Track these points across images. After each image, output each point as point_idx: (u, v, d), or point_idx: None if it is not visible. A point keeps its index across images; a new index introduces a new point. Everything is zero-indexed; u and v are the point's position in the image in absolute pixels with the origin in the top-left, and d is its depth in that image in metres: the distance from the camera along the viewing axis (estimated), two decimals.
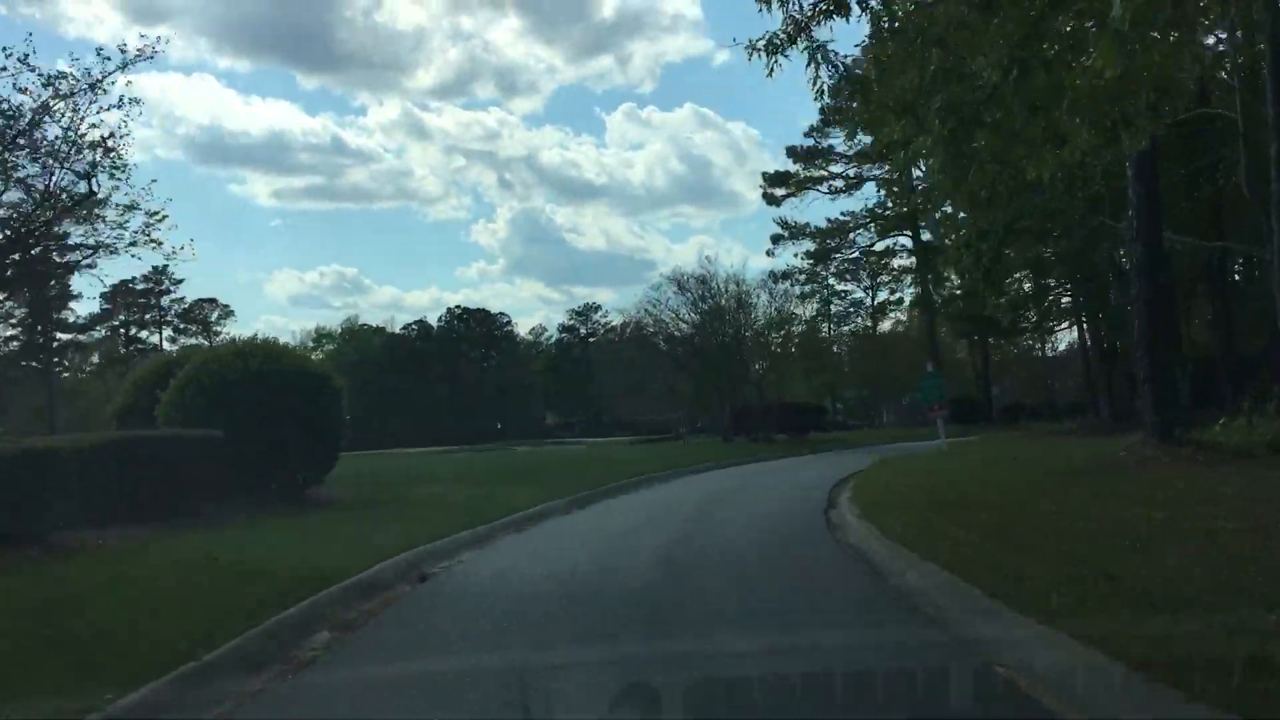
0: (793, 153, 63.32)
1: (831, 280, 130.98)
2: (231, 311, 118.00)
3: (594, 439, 76.75)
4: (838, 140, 63.17)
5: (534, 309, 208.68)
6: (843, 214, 65.56)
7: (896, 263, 71.04)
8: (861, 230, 65.25)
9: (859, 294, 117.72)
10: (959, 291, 50.77)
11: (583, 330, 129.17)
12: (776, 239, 62.71)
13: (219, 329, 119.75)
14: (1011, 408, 72.64)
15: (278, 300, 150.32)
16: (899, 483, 18.56)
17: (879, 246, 66.12)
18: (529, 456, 39.28)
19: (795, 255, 65.48)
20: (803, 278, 62.28)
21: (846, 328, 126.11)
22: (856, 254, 66.99)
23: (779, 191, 63.14)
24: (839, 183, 64.59)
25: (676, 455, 35.22)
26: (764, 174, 63.40)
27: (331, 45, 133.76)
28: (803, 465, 32.08)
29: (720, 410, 45.95)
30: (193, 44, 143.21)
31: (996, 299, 27.22)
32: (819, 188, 64.25)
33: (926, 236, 59.80)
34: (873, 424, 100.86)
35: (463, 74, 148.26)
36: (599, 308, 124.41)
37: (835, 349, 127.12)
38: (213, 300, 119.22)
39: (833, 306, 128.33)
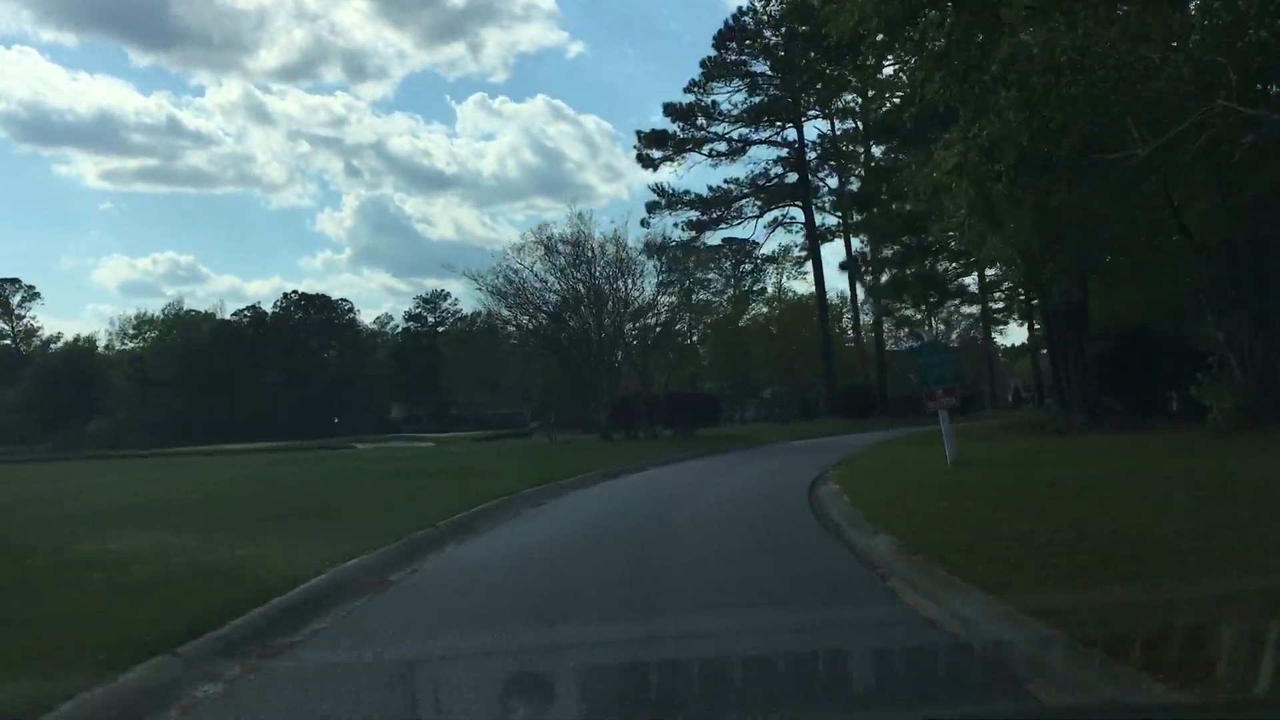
0: (672, 111, 55.02)
1: (691, 266, 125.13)
2: (37, 294, 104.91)
3: (444, 434, 69.66)
4: (723, 95, 55.24)
5: (382, 301, 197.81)
6: (726, 181, 57.68)
7: (768, 247, 64.00)
8: (748, 200, 57.43)
9: (720, 283, 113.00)
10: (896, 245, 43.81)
11: (431, 319, 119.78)
12: (652, 207, 54.29)
13: (21, 313, 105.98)
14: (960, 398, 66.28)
15: (106, 288, 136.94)
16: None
17: (767, 219, 58.42)
18: (352, 464, 29.91)
19: (676, 225, 57.16)
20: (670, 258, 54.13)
21: (708, 319, 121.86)
22: (739, 228, 59.18)
23: (655, 153, 54.75)
24: (722, 146, 56.66)
25: (548, 460, 26.54)
26: (639, 133, 54.90)
27: (166, 21, 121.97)
28: (724, 471, 23.78)
29: (594, 401, 37.27)
30: (14, 16, 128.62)
31: (991, 233, 19.34)
32: (701, 150, 56.18)
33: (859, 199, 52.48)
34: (732, 420, 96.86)
35: (308, 56, 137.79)
36: (448, 295, 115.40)
37: (693, 340, 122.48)
38: (14, 281, 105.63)
39: (694, 297, 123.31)
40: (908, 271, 48.83)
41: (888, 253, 49.60)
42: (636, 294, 37.37)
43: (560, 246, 36.05)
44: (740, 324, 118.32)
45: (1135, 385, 29.57)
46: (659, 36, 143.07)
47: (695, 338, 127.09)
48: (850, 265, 58.82)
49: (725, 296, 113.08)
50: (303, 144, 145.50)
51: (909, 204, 19.53)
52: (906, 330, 64.61)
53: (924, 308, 59.62)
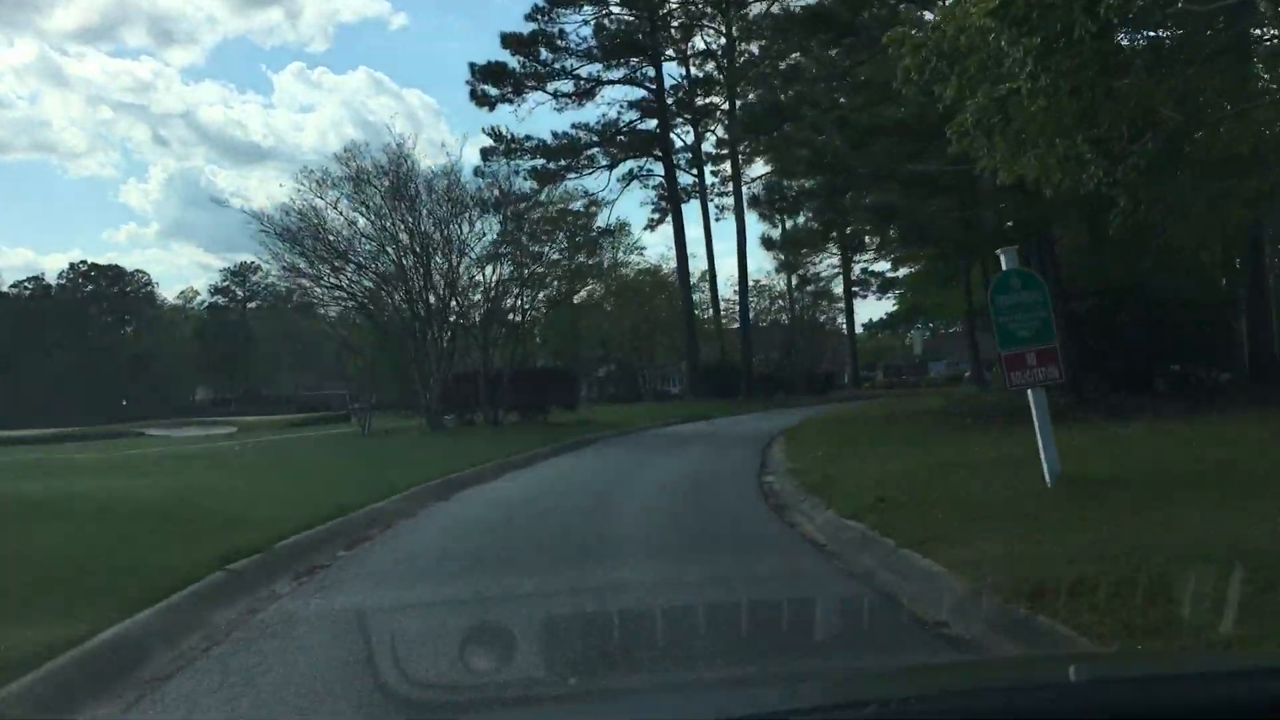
0: (511, 42, 46.27)
1: (525, 239, 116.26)
2: None
3: (254, 418, 62.29)
4: (571, 24, 46.93)
5: (193, 277, 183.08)
6: (574, 127, 49.36)
7: (626, 206, 55.88)
8: (600, 150, 49.29)
9: (555, 254, 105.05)
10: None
11: (240, 293, 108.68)
12: (489, 153, 45.38)
13: None
14: (821, 376, 59.72)
15: None
16: None
17: (619, 171, 50.36)
18: (67, 475, 20.28)
19: (518, 174, 48.52)
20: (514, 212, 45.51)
21: (541, 294, 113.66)
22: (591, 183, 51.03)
23: (491, 90, 45.98)
24: (570, 85, 48.35)
25: (335, 468, 18.08)
26: (473, 66, 45.85)
27: None
28: (626, 481, 15.81)
29: (421, 379, 28.47)
30: None
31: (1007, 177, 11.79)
32: (545, 88, 47.71)
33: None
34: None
35: (109, 17, 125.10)
36: (258, 268, 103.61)
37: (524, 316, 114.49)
38: None
39: (526, 270, 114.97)
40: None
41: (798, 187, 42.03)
42: (474, 241, 28.97)
43: (375, 180, 27.33)
44: (575, 301, 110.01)
45: (1127, 355, 23.03)
46: (487, 8, 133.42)
47: (527, 313, 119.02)
48: (757, 204, 51.26)
49: (561, 267, 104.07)
50: (104, 110, 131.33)
51: (901, 90, 11.81)
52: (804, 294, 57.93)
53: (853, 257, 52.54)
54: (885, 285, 70.15)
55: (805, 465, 15.50)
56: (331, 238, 26.62)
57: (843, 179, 24.67)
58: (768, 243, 53.50)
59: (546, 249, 48.93)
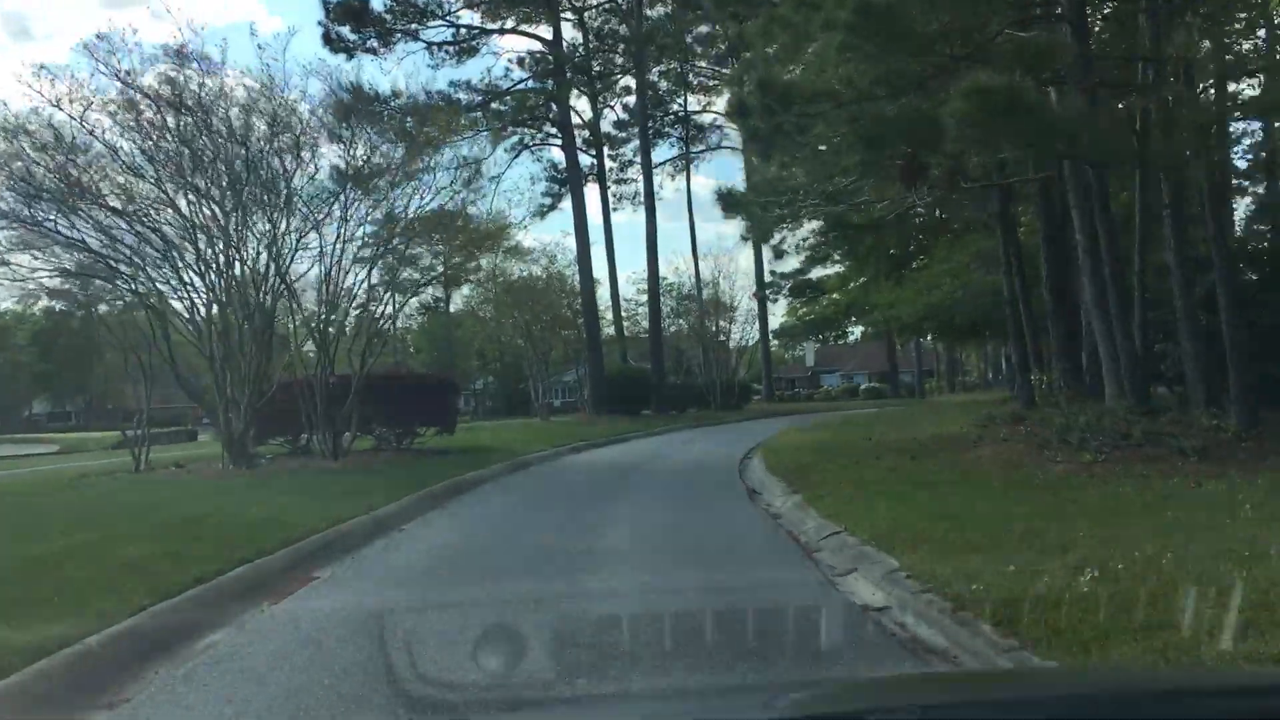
0: None
1: (398, 244, 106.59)
2: None
3: (103, 432, 51.82)
4: None
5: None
6: (452, 85, 40.34)
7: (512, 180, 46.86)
8: (487, 115, 40.27)
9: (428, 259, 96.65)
10: None
11: (81, 296, 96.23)
12: (347, 113, 35.95)
13: None
14: (739, 388, 51.47)
15: None
16: None
17: (509, 143, 41.42)
18: None
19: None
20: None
21: (415, 299, 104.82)
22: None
23: (350, 35, 36.69)
24: (448, 33, 39.35)
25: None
26: (327, 3, 36.40)
27: None
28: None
29: (220, 389, 18.99)
30: None
31: None
32: (417, 37, 38.62)
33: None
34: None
35: None
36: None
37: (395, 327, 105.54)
38: None
39: (400, 274, 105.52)
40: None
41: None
42: (306, 187, 19.83)
43: (154, 88, 17.99)
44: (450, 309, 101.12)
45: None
46: None
47: (396, 321, 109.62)
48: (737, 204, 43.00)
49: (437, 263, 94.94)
50: None
51: None
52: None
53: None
54: (799, 289, 62.91)
55: (919, 566, 7.13)
56: (75, 172, 17.16)
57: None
58: (725, 200, 44.94)
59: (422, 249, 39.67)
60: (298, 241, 19.95)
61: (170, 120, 18.23)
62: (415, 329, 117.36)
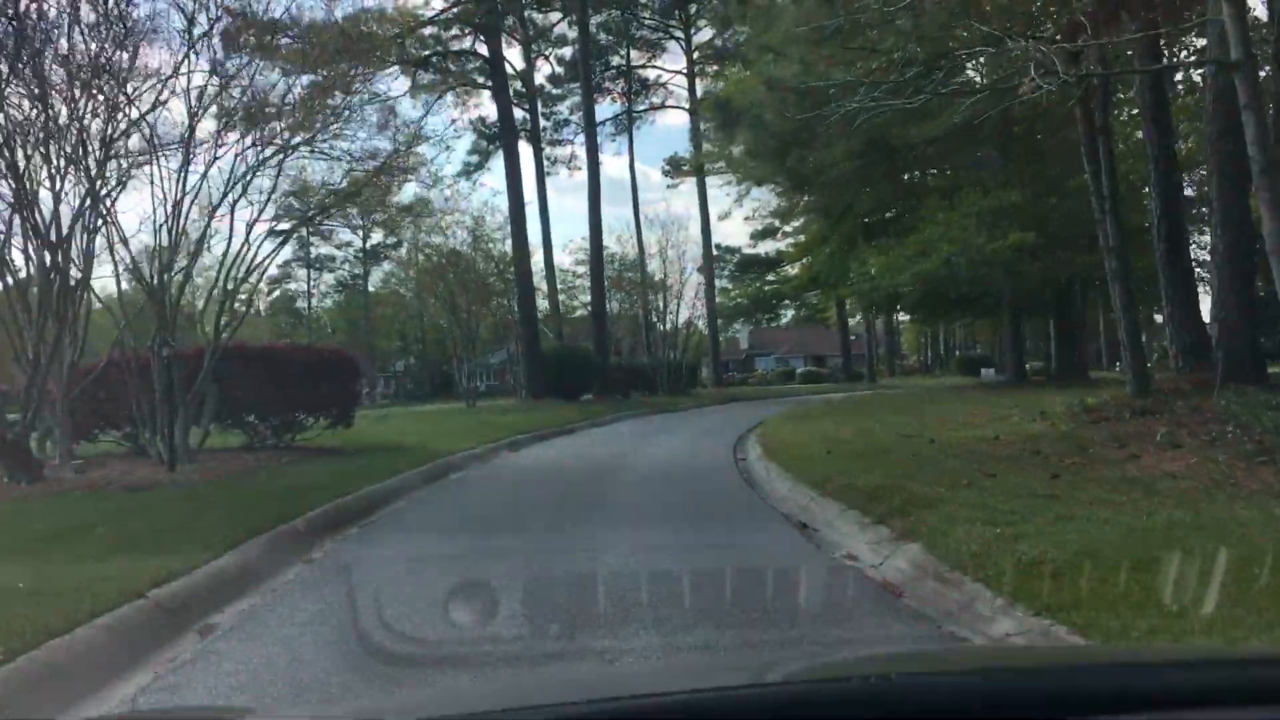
0: None
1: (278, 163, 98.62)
2: None
3: None
4: None
5: None
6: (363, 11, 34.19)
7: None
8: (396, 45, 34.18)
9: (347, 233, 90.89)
10: None
11: None
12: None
13: None
14: (687, 370, 46.00)
15: None
16: None
17: (430, 85, 35.40)
18: None
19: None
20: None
21: (331, 274, 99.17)
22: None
23: None
24: None
25: None
26: None
27: None
28: None
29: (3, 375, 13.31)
30: None
31: None
32: None
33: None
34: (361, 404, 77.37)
35: None
36: None
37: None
38: None
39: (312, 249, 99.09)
40: None
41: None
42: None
43: None
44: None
45: None
46: None
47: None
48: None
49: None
50: None
51: None
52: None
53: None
54: (745, 264, 57.98)
55: None
56: None
57: None
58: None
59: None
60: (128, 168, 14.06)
61: None
62: (332, 307, 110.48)
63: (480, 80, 41.57)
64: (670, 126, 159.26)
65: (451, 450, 16.58)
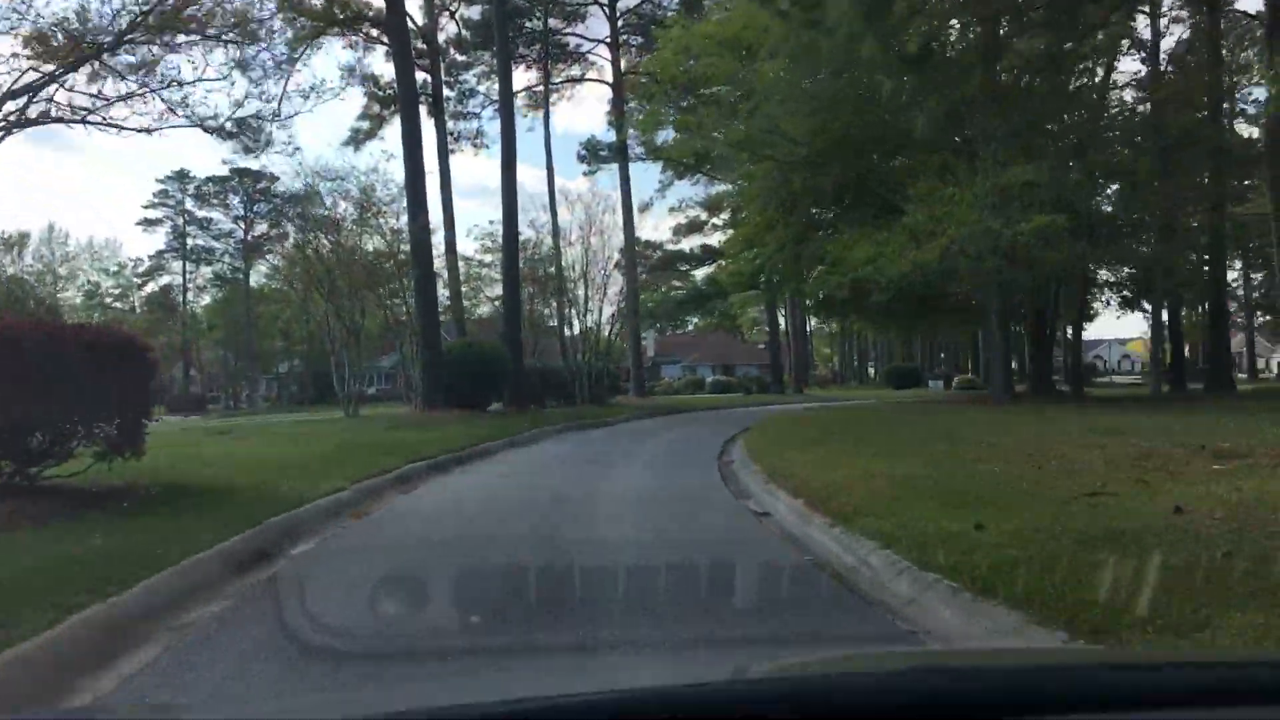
0: None
1: (190, 204, 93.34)
2: None
3: None
4: None
5: None
6: None
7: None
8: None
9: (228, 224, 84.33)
10: None
11: None
12: None
13: None
14: (608, 377, 39.62)
15: None
16: None
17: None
18: None
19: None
20: None
21: (208, 268, 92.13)
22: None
23: None
24: None
25: None
26: None
27: None
28: None
29: None
30: None
31: None
32: None
33: None
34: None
35: None
36: None
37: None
38: None
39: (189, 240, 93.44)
40: None
41: None
42: None
43: None
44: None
45: None
46: None
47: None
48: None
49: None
50: None
51: None
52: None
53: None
54: (669, 260, 52.44)
55: None
56: None
57: None
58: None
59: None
60: None
61: None
62: (211, 304, 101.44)
63: (374, 33, 35.02)
64: (585, 113, 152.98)
65: (305, 494, 10.24)
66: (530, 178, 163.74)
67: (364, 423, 23.04)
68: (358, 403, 26.83)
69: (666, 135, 49.90)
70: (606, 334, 39.00)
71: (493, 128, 44.17)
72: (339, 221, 27.28)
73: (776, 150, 28.23)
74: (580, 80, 46.37)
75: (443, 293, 31.82)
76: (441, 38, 39.96)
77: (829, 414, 25.92)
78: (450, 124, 42.82)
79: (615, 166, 46.41)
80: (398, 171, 29.37)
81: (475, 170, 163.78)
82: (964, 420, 19.06)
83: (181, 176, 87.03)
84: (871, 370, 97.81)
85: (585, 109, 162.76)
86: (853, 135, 27.84)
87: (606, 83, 45.11)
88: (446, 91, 41.60)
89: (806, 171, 29.27)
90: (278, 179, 57.66)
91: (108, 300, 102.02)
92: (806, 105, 27.56)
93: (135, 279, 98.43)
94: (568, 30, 44.39)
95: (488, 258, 37.45)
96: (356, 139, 39.33)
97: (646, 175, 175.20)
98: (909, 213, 24.36)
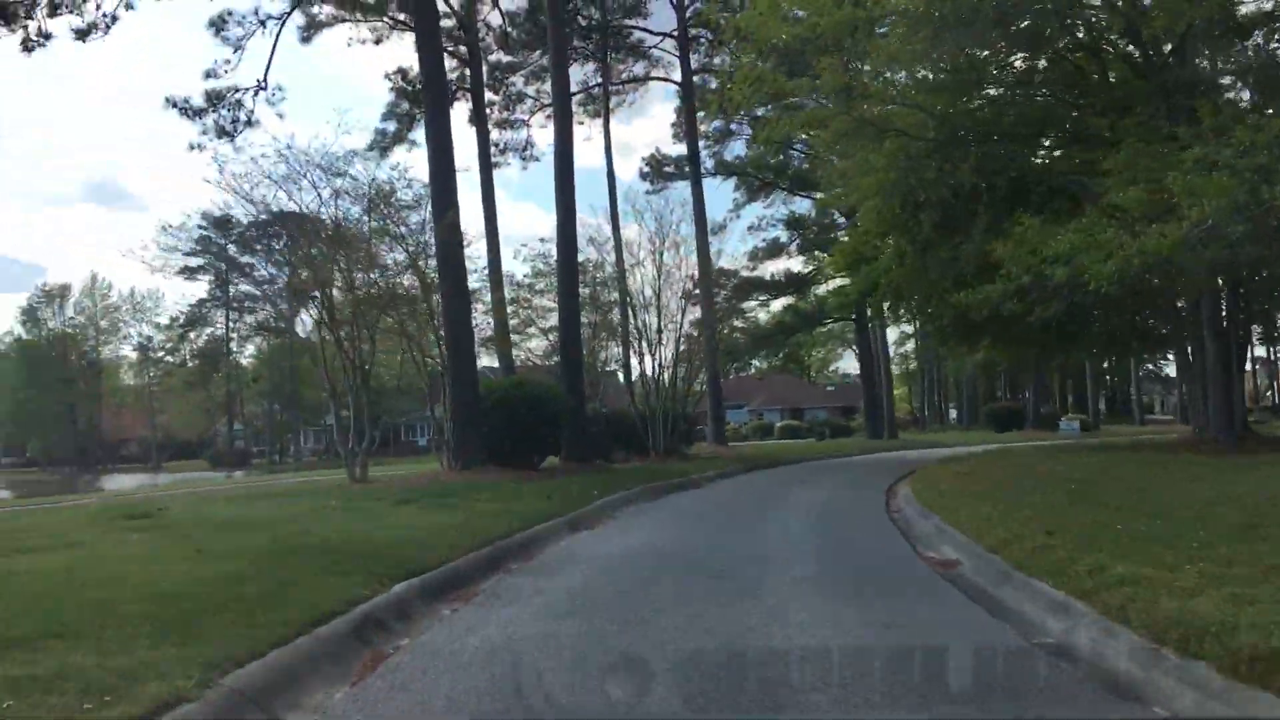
0: None
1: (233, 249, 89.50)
2: None
3: None
4: None
5: None
6: None
7: None
8: None
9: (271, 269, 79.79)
10: None
11: None
12: None
13: None
14: (684, 425, 32.80)
15: None
16: None
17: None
18: None
19: None
20: None
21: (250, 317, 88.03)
22: None
23: None
24: None
25: None
26: None
27: None
28: None
29: None
30: None
31: None
32: None
33: None
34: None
35: None
36: None
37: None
38: None
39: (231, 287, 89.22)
40: None
41: None
42: None
43: None
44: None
45: None
46: None
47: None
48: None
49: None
50: None
51: None
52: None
53: None
54: (746, 286, 45.69)
55: None
56: None
57: None
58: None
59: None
60: None
61: None
62: (255, 355, 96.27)
63: (400, 18, 28.97)
64: (643, 131, 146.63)
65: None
66: (582, 200, 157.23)
67: (366, 493, 16.32)
68: (366, 463, 20.16)
69: (739, 149, 43.26)
70: (681, 372, 32.07)
71: (543, 137, 37.91)
72: (340, 224, 20.74)
73: (910, 124, 21.52)
74: (645, 80, 39.92)
75: (484, 319, 25.12)
76: (482, 31, 33.87)
77: (1000, 470, 18.70)
78: (496, 134, 36.68)
79: (682, 184, 39.97)
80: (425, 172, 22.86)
81: (520, 183, 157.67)
82: (1223, 483, 11.93)
83: (223, 223, 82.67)
84: (953, 412, 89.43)
85: (640, 129, 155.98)
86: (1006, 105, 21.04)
87: (675, 82, 38.68)
88: (490, 95, 35.47)
89: (939, 157, 22.48)
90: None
91: (158, 354, 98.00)
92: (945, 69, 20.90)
93: (179, 329, 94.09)
94: (629, 23, 38.07)
95: (540, 283, 30.96)
96: (381, 143, 33.27)
97: (718, 195, 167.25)
98: (1110, 191, 17.37)
